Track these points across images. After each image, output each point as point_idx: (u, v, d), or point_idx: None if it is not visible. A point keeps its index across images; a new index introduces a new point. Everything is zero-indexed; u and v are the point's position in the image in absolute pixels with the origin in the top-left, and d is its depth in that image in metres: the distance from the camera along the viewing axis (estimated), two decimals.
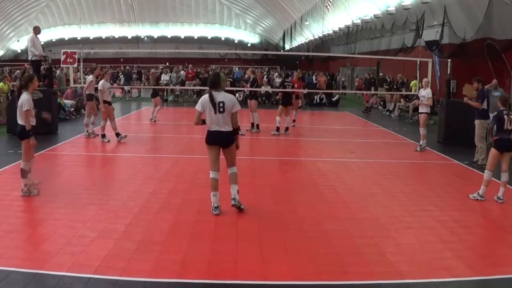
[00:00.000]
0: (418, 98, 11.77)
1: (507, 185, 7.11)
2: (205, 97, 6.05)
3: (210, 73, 26.94)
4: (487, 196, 7.05)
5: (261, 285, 4.31)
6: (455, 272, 4.64)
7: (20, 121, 6.74)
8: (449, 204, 6.94)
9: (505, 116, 7.02)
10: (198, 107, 6.06)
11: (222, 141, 6.05)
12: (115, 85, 27.66)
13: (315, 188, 7.70)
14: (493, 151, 7.12)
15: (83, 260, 4.61)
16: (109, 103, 11.45)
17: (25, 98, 6.62)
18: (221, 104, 5.88)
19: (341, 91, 27.39)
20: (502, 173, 7.05)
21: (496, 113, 7.25)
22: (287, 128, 13.46)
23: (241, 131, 11.36)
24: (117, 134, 11.37)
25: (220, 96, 5.94)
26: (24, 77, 7.08)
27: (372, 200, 7.05)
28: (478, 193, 7.08)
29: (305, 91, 20.26)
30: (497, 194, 7.03)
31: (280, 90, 14.26)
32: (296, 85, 14.42)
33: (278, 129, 13.24)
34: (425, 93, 11.19)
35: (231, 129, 6.02)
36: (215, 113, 5.90)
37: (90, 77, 11.92)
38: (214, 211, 6.09)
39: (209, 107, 5.92)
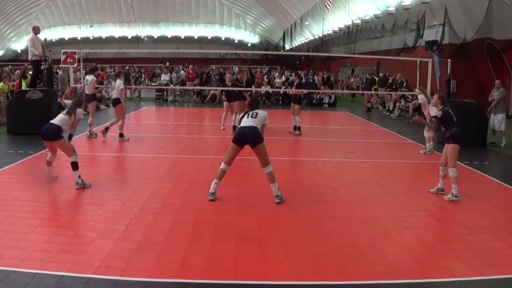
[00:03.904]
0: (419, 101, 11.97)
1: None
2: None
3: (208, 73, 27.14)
4: (486, 196, 7.05)
5: (261, 285, 4.31)
6: (455, 272, 4.64)
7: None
8: (449, 204, 6.93)
9: (450, 111, 7.08)
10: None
11: (247, 137, 6.62)
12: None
13: (315, 188, 7.69)
14: (455, 147, 6.99)
15: (83, 260, 4.62)
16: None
17: None
18: (254, 114, 6.82)
19: (340, 91, 27.36)
20: (450, 169, 7.00)
21: (441, 113, 7.14)
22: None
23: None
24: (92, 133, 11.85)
25: (255, 111, 6.90)
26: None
27: (372, 200, 7.04)
28: (452, 193, 6.95)
29: (306, 91, 20.18)
30: (436, 186, 7.32)
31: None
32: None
33: (298, 128, 13.29)
34: (419, 98, 11.60)
35: (256, 126, 6.69)
36: (248, 117, 6.79)
37: (93, 78, 11.82)
38: (210, 196, 6.68)
39: (245, 116, 6.88)
